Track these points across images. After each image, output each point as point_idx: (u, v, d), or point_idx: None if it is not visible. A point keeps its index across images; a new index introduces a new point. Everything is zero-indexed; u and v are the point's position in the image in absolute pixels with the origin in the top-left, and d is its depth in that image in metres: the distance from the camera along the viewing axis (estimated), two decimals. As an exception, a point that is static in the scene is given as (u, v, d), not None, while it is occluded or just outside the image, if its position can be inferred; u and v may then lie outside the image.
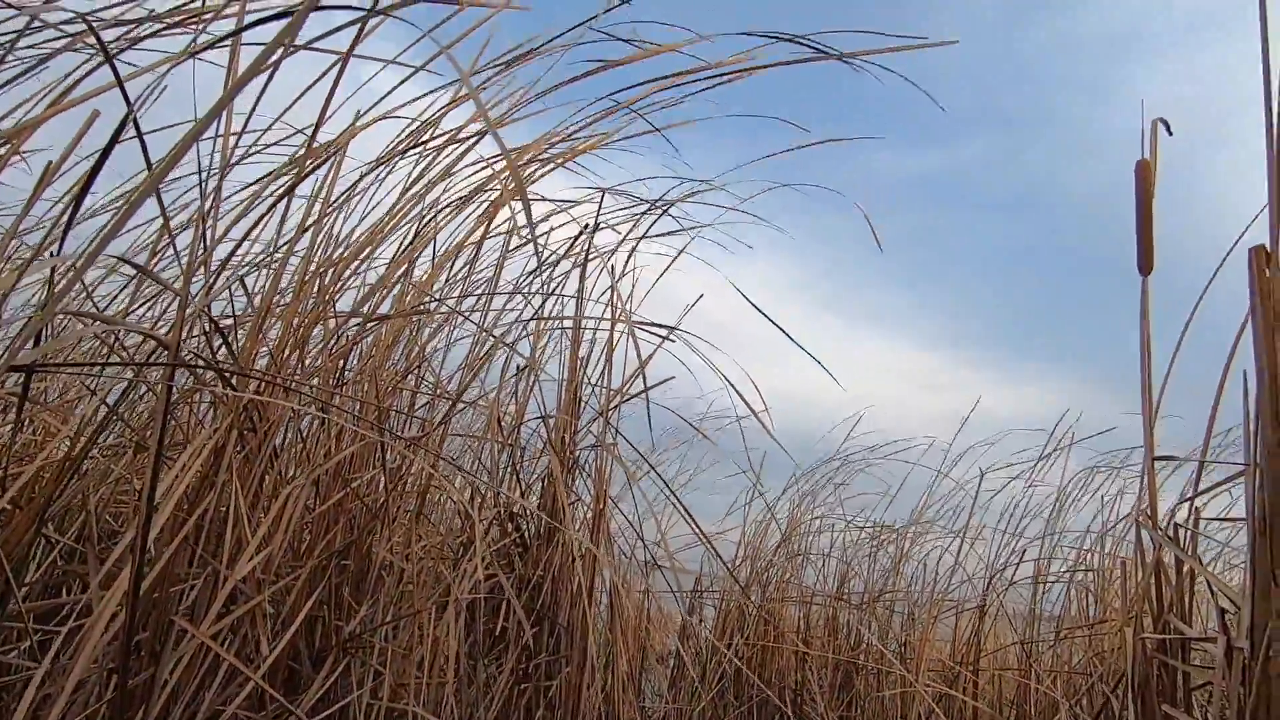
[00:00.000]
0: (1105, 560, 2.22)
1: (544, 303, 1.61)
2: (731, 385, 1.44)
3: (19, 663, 0.93)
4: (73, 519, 1.22)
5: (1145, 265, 1.18)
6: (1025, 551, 2.41)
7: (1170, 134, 1.07)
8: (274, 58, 0.89)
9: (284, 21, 0.89)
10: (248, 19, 0.81)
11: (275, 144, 1.20)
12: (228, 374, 0.92)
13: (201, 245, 0.83)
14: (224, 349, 0.98)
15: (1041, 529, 2.40)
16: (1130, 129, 1.16)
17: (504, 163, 1.37)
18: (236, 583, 0.88)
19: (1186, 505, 1.11)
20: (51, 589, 1.21)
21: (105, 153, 0.76)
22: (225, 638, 0.88)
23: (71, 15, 0.89)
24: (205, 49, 0.84)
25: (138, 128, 0.81)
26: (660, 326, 1.56)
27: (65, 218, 0.69)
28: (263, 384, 1.04)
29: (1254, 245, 0.71)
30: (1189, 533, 1.06)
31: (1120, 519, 2.28)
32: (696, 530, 1.47)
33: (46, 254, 0.86)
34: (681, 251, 1.65)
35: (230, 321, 1.06)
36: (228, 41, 0.89)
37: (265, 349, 1.15)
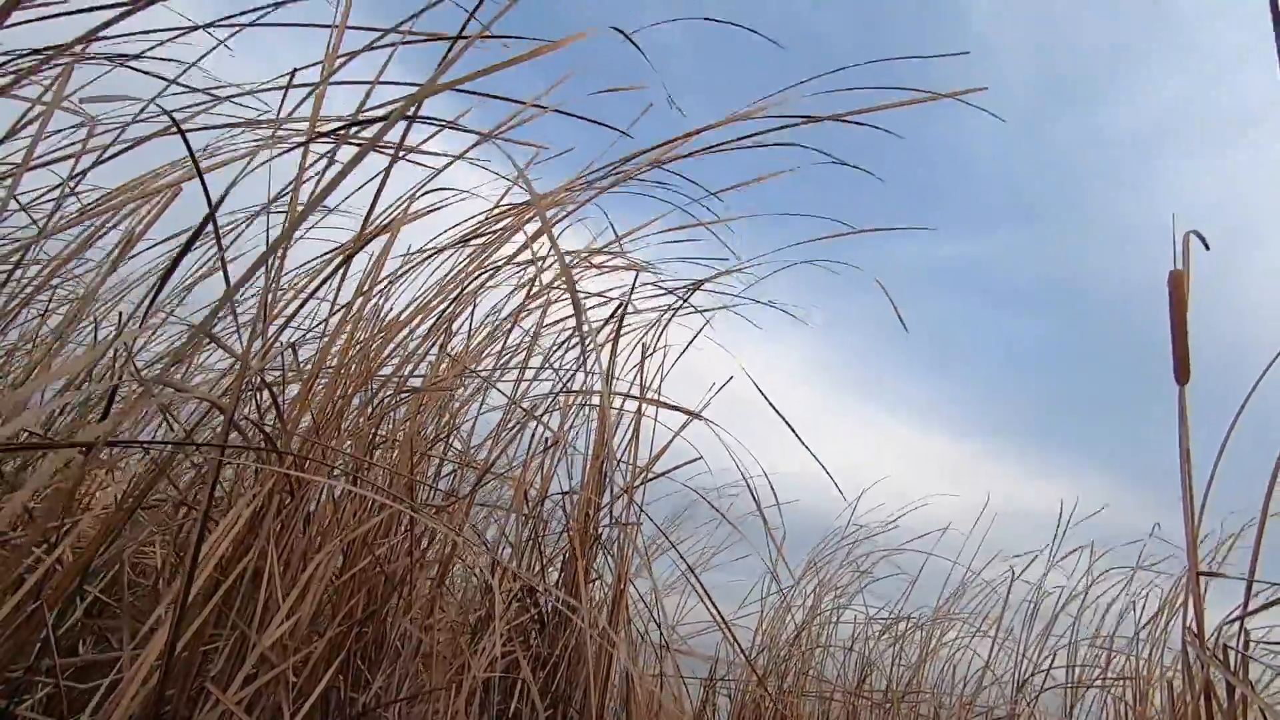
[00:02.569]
0: (1142, 668, 2.12)
1: (572, 376, 1.65)
2: (744, 476, 1.45)
3: None
4: (102, 574, 1.24)
5: (1182, 375, 1.18)
6: (1056, 655, 2.31)
7: (1207, 248, 1.09)
8: (339, 159, 0.97)
9: (347, 120, 0.97)
10: (329, 124, 0.88)
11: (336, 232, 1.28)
12: (274, 439, 0.96)
13: (262, 318, 0.88)
14: (273, 412, 1.02)
15: (1069, 630, 2.31)
16: (1160, 225, 1.19)
17: (549, 254, 1.44)
18: (263, 649, 0.89)
19: (1235, 624, 1.08)
20: (68, 647, 1.22)
21: (187, 246, 0.83)
22: (248, 705, 0.88)
23: (159, 113, 0.98)
24: (283, 153, 0.92)
25: (216, 226, 0.88)
26: (684, 411, 1.58)
27: (152, 294, 0.74)
28: (301, 452, 1.07)
29: None
30: (1238, 654, 1.02)
31: (1148, 623, 2.19)
32: (716, 615, 1.45)
33: (127, 322, 0.91)
34: (698, 333, 1.69)
35: (279, 386, 1.10)
36: (301, 138, 0.97)
37: (308, 415, 1.19)
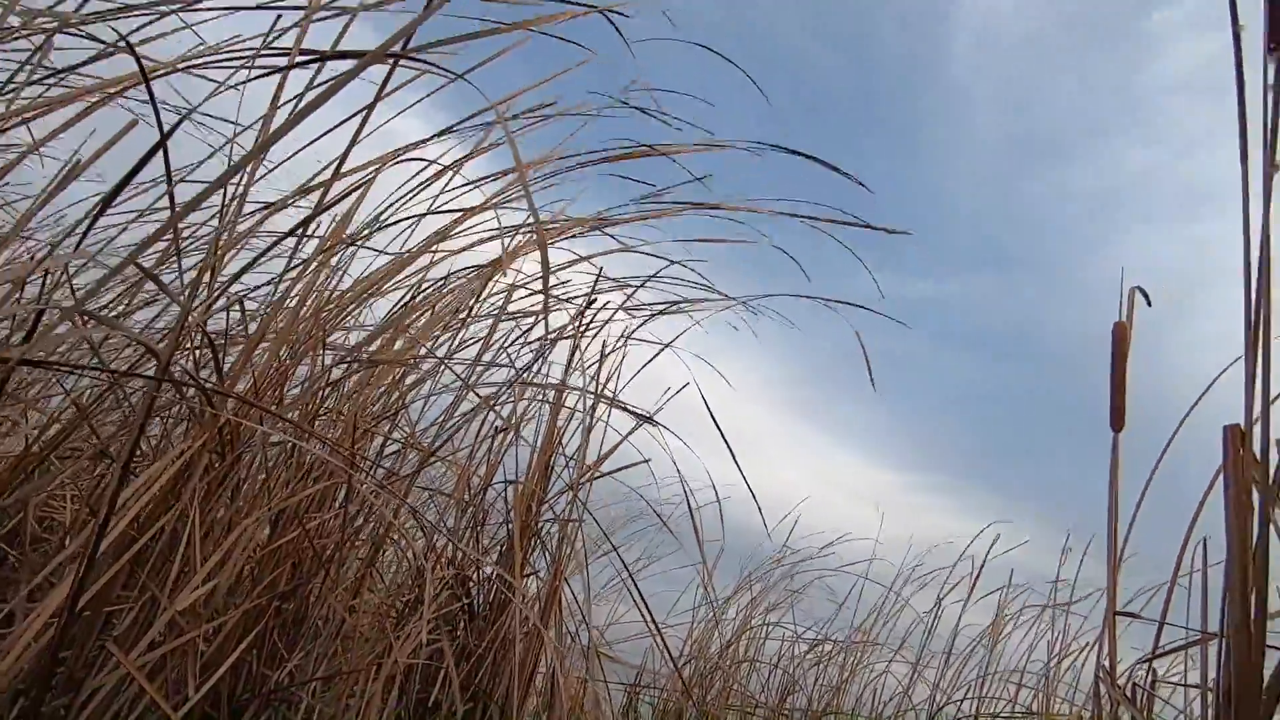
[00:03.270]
0: (1047, 704, 2.20)
1: (530, 366, 1.62)
2: (685, 487, 1.45)
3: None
4: (4, 521, 1.16)
5: (1117, 424, 1.23)
6: (970, 686, 2.38)
7: (1150, 304, 1.14)
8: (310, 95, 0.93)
9: (316, 61, 0.93)
10: (290, 58, 0.85)
11: (294, 194, 1.23)
12: (211, 393, 0.91)
13: (211, 263, 0.84)
14: (211, 367, 0.97)
15: (982, 661, 2.38)
16: (1113, 284, 1.24)
17: (514, 229, 1.41)
18: (173, 613, 0.84)
19: (1145, 665, 1.12)
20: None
21: (134, 171, 0.78)
22: (151, 671, 0.83)
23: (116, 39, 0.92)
24: (261, 76, 0.88)
25: (166, 156, 0.83)
26: (637, 414, 1.57)
27: (90, 219, 0.70)
28: (242, 405, 1.02)
29: (1229, 425, 0.76)
30: (1145, 693, 1.06)
31: (1055, 660, 2.28)
32: (651, 623, 1.44)
33: (61, 249, 0.86)
34: (666, 346, 1.69)
35: (221, 341, 1.05)
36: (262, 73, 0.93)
37: (248, 376, 1.14)
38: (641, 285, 1.63)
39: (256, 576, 1.12)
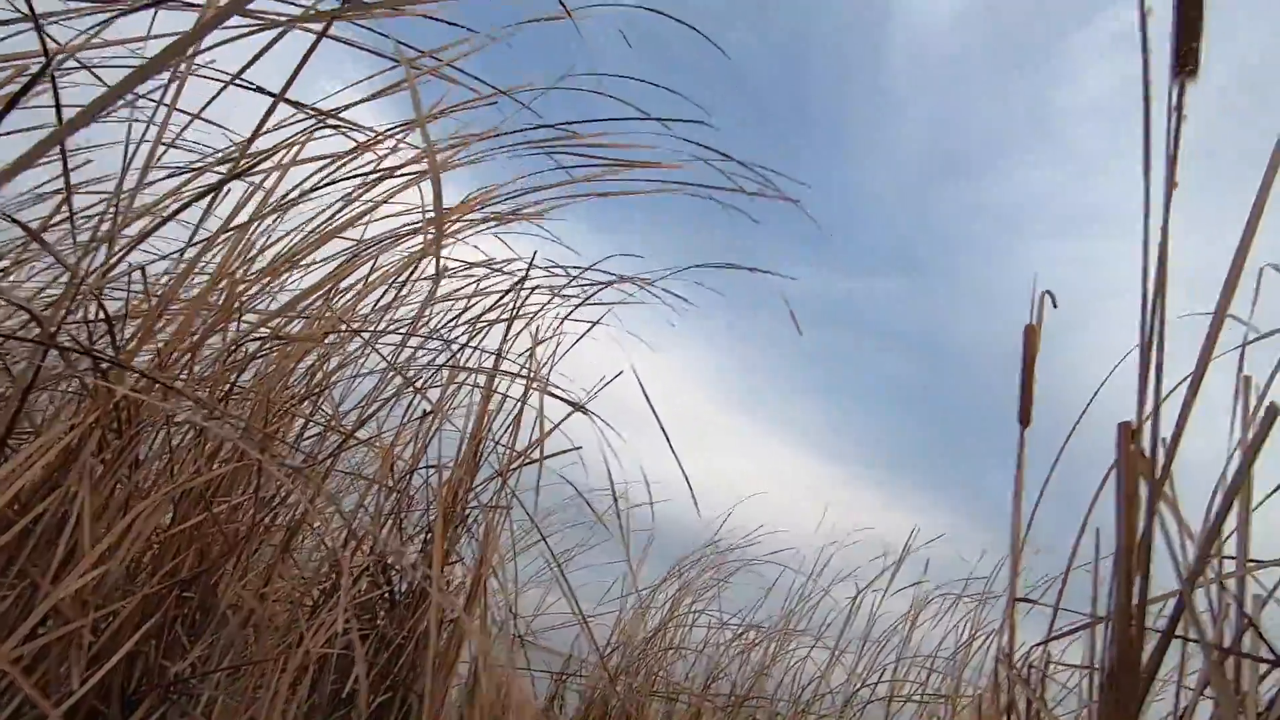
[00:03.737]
0: (955, 687, 2.31)
1: (461, 350, 1.58)
2: (610, 477, 1.45)
3: None
4: None
5: (1025, 419, 1.30)
6: (884, 671, 2.48)
7: (1055, 306, 1.20)
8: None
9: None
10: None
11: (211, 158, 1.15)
12: (106, 365, 0.84)
13: (111, 222, 0.77)
14: (107, 339, 0.89)
15: (898, 648, 2.49)
16: (1017, 294, 1.31)
17: (439, 211, 1.37)
18: (57, 602, 0.77)
19: (1040, 649, 1.18)
20: None
21: (13, 101, 0.71)
22: (29, 664, 0.76)
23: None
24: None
25: (54, 79, 0.76)
26: (569, 402, 1.55)
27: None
28: (140, 380, 0.95)
29: (1122, 422, 0.80)
30: (1040, 675, 1.12)
31: (963, 647, 2.40)
32: (577, 611, 1.43)
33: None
34: (595, 324, 1.67)
35: (122, 312, 0.97)
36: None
37: (152, 350, 1.06)
38: (583, 272, 1.61)
39: (157, 563, 1.05)
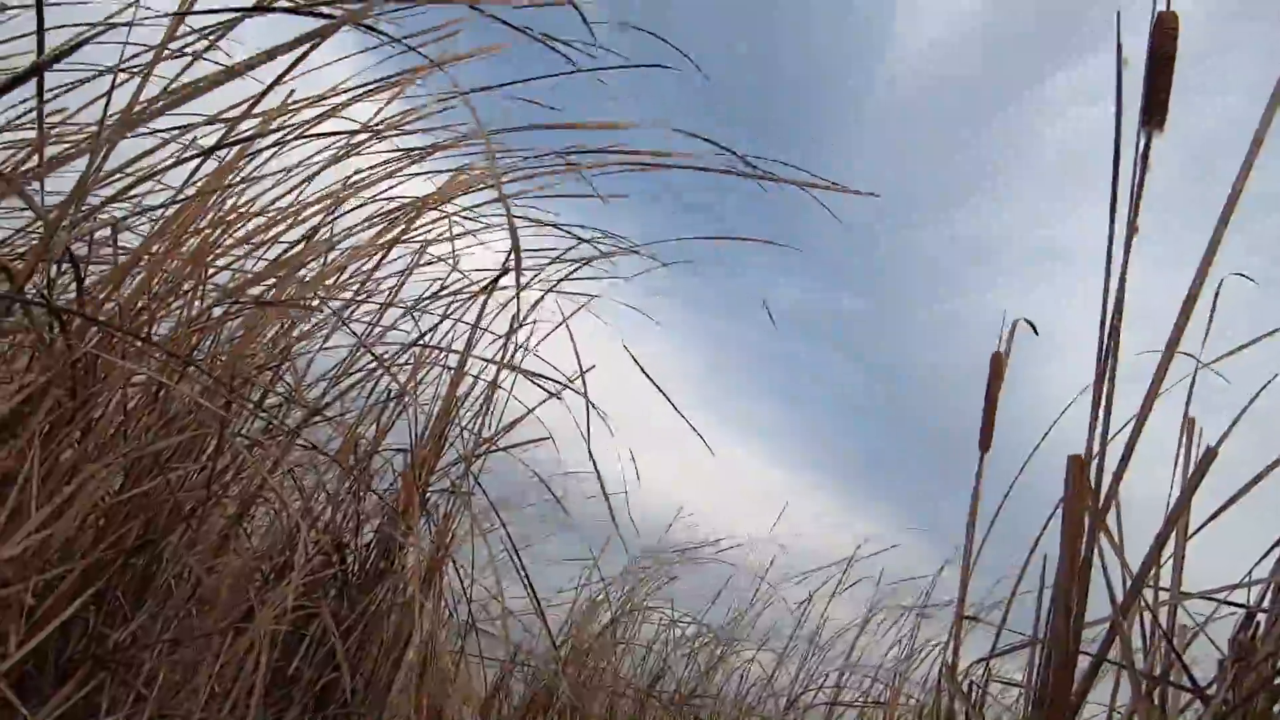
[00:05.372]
0: (895, 696, 2.37)
1: (434, 329, 1.56)
2: (565, 468, 1.45)
3: None
4: None
5: (985, 444, 1.34)
6: (828, 677, 2.53)
7: (1036, 333, 1.24)
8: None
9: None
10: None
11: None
12: (67, 316, 0.81)
13: (85, 171, 0.74)
14: (71, 293, 0.86)
15: (842, 655, 2.54)
16: (984, 325, 1.34)
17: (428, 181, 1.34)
18: (-3, 562, 0.74)
19: (982, 665, 1.22)
20: None
21: None
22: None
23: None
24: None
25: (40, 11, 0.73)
26: (544, 388, 1.54)
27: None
28: (101, 334, 0.92)
29: (1072, 455, 0.83)
30: (979, 690, 1.16)
31: (904, 659, 2.46)
32: (534, 599, 1.42)
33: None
34: (587, 299, 1.66)
35: (88, 261, 0.94)
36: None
37: (113, 308, 1.02)
38: (564, 253, 1.60)
39: (103, 529, 1.02)
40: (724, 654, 2.57)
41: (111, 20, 0.94)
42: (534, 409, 1.52)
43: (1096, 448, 0.79)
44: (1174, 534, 1.24)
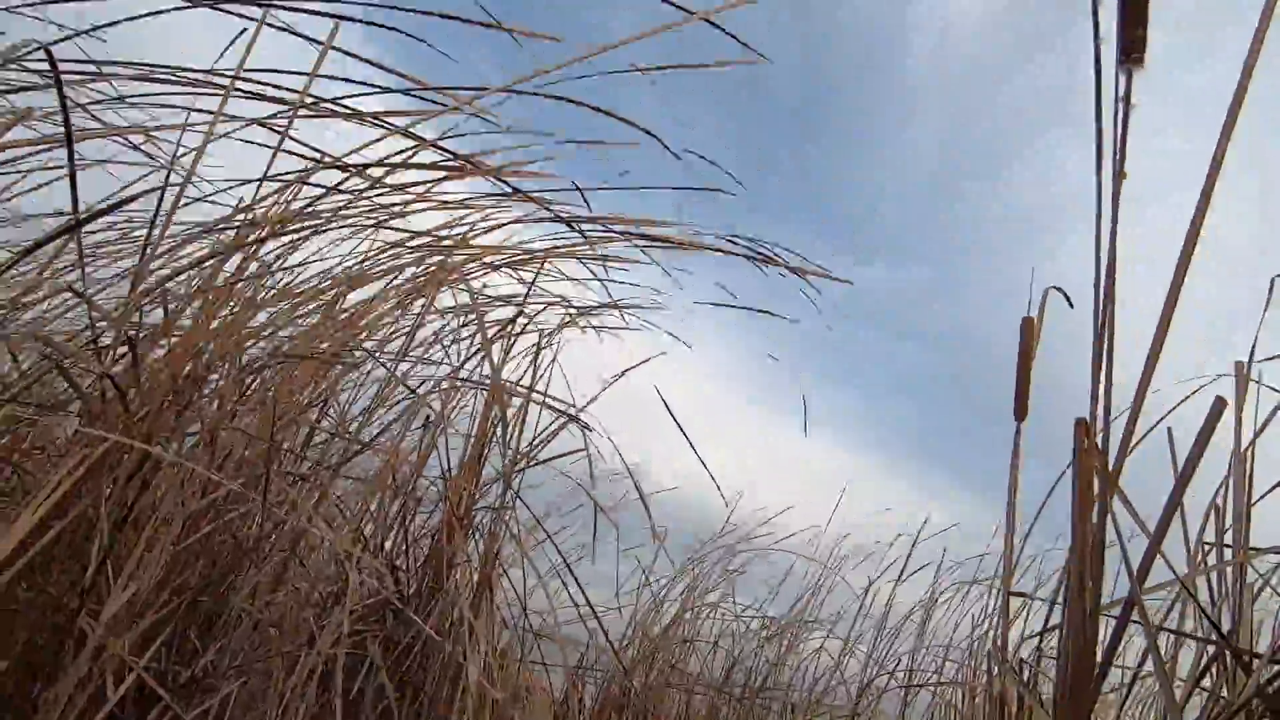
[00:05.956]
0: (971, 676, 2.30)
1: (465, 361, 1.61)
2: (632, 475, 1.47)
3: None
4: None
5: (1020, 412, 1.29)
6: (900, 660, 2.48)
7: (1071, 306, 1.19)
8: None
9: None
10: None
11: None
12: (124, 392, 0.89)
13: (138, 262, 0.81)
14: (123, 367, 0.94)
15: (912, 637, 2.49)
16: (1043, 285, 1.28)
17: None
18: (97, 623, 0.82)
19: (1034, 640, 1.19)
20: None
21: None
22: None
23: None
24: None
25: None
26: (564, 413, 1.57)
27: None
28: (146, 424, 1.00)
29: (1078, 418, 0.80)
30: (1032, 668, 1.13)
31: (977, 634, 2.39)
32: (587, 605, 1.46)
33: None
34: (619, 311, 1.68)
35: (140, 336, 1.02)
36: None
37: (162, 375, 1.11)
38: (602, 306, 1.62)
39: (169, 575, 1.11)
40: (791, 644, 2.55)
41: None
42: (561, 427, 1.55)
43: (1102, 410, 0.76)
44: (1232, 493, 1.17)
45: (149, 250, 1.03)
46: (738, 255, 1.29)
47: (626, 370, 1.69)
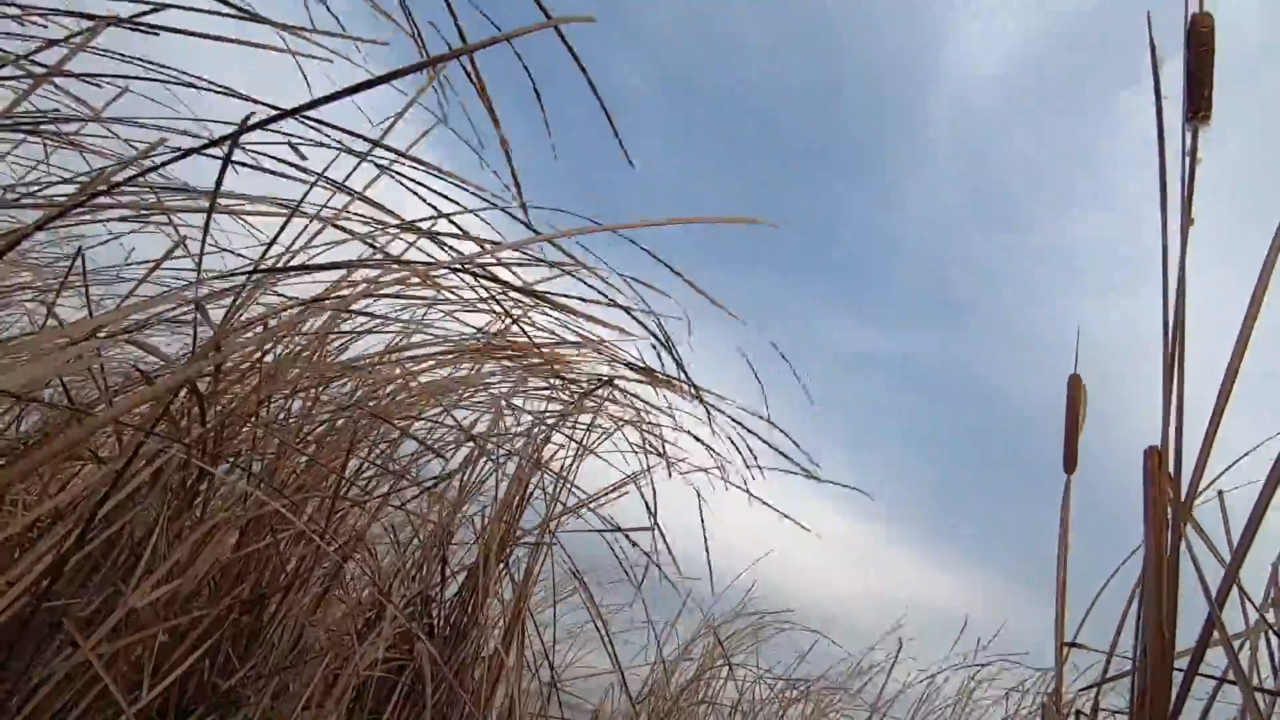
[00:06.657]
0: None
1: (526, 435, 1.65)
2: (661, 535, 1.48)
3: None
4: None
5: (1070, 465, 1.30)
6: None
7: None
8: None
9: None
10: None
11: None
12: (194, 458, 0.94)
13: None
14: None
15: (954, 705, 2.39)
16: (1065, 342, 1.30)
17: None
18: (136, 609, 0.86)
19: (1092, 692, 1.15)
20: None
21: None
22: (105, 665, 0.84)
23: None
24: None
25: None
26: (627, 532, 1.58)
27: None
28: (211, 445, 1.06)
29: (1149, 446, 0.81)
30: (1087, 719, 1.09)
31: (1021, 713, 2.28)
32: (613, 656, 1.45)
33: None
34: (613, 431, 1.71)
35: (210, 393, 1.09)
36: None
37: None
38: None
39: (219, 585, 1.14)
40: (817, 716, 2.46)
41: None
42: (608, 498, 1.57)
43: (1173, 442, 0.77)
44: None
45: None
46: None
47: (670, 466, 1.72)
